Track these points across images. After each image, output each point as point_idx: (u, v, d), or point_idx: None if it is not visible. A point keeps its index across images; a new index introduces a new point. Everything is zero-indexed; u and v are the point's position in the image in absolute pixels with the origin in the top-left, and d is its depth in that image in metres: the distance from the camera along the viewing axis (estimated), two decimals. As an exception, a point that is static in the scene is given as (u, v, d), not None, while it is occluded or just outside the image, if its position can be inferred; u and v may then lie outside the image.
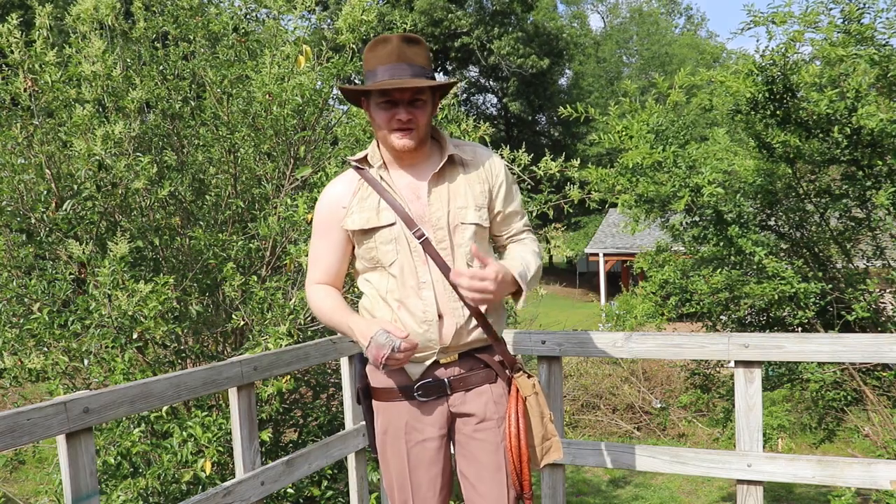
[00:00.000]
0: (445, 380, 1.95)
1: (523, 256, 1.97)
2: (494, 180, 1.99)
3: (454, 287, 1.86)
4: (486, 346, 1.98)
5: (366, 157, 1.98)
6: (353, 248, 2.01)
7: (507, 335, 2.68)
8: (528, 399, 1.95)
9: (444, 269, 1.89)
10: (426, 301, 1.89)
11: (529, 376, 1.98)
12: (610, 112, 4.89)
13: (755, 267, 4.31)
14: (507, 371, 1.99)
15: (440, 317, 1.90)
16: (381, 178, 1.94)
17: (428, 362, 1.94)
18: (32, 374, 3.08)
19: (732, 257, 4.44)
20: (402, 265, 1.90)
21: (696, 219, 4.64)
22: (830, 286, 4.46)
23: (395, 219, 1.90)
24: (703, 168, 4.25)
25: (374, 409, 2.05)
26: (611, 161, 4.74)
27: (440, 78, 1.99)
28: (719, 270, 4.45)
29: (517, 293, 1.91)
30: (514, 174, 3.41)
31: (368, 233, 1.92)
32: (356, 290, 2.55)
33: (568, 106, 4.87)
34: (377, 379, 2.02)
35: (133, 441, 2.93)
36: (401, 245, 1.90)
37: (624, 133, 4.64)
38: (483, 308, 1.93)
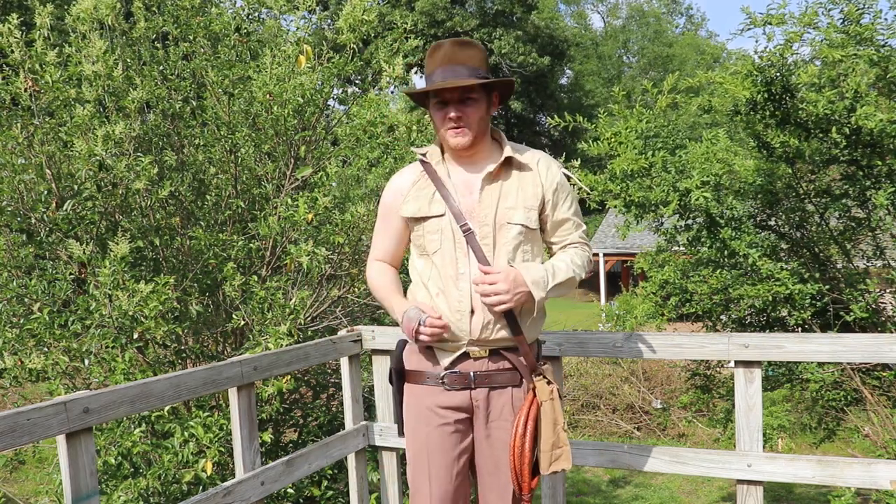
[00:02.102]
0: (471, 373, 2.03)
1: (554, 263, 2.04)
2: (548, 185, 2.06)
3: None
4: (516, 347, 2.04)
5: (428, 152, 2.11)
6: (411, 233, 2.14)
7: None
8: (544, 405, 2.01)
9: (484, 264, 1.98)
10: (462, 292, 1.99)
11: (549, 382, 2.04)
12: (600, 119, 4.89)
13: (750, 268, 4.32)
14: (529, 374, 2.04)
15: (472, 310, 1.99)
16: (440, 171, 2.06)
17: (458, 352, 2.02)
18: (32, 374, 3.08)
19: (727, 259, 4.44)
20: (444, 255, 2.01)
21: (689, 222, 4.64)
22: (829, 286, 4.45)
23: (444, 210, 2.02)
24: (692, 172, 4.25)
25: (405, 390, 2.16)
26: (611, 161, 4.73)
27: None
28: (718, 272, 4.45)
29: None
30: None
31: (419, 220, 2.05)
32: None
33: (556, 117, 4.89)
34: (411, 362, 2.13)
35: (134, 441, 2.93)
36: (445, 235, 2.01)
37: (614, 139, 4.64)
38: (517, 309, 1.98)
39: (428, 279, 2.04)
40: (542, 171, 2.06)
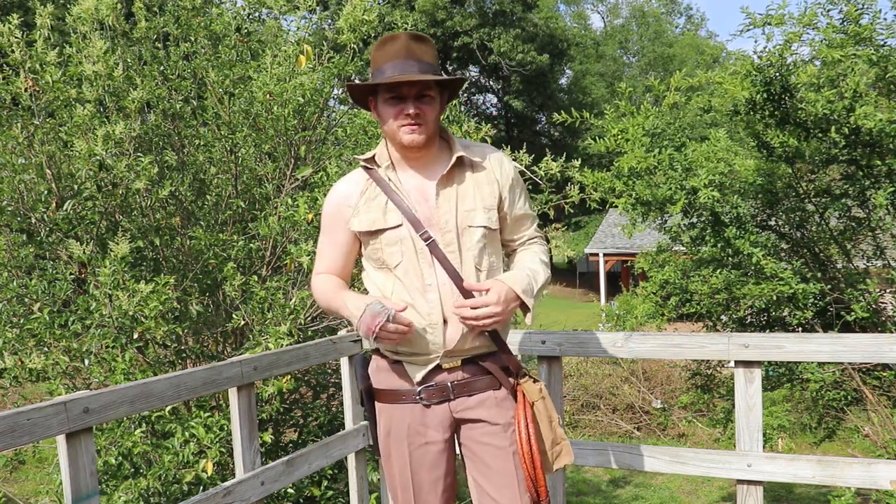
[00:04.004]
0: (448, 384, 1.94)
1: (531, 267, 1.96)
2: (504, 181, 1.97)
3: (460, 290, 1.87)
4: (490, 353, 1.97)
5: (374, 156, 1.97)
6: (360, 246, 2.00)
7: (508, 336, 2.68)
8: (536, 404, 1.94)
9: (452, 273, 1.87)
10: (431, 303, 1.88)
11: (535, 381, 1.97)
12: (606, 115, 4.89)
13: (753, 268, 4.32)
14: (511, 378, 1.97)
15: (445, 321, 1.89)
16: (389, 178, 1.93)
17: (430, 366, 1.93)
18: (33, 374, 3.08)
19: (730, 258, 4.44)
20: (407, 267, 1.89)
21: (694, 220, 4.64)
22: (830, 286, 4.46)
23: (401, 220, 1.89)
24: (699, 170, 4.25)
25: (377, 410, 2.04)
26: (612, 160, 4.73)
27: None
28: (718, 272, 4.45)
29: (524, 306, 1.90)
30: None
31: (374, 234, 1.91)
32: (358, 287, 2.55)
33: (563, 112, 4.88)
34: (380, 380, 2.02)
35: (134, 441, 2.93)
36: (406, 247, 1.89)
37: (620, 136, 4.64)
38: (496, 325, 1.92)
39: (392, 293, 1.92)
40: (495, 168, 1.97)
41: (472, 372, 1.95)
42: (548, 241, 4.42)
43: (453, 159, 1.91)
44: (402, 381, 1.97)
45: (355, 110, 4.44)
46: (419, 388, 1.94)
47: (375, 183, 1.94)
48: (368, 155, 1.99)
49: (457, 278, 1.87)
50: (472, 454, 1.99)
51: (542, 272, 1.97)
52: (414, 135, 1.85)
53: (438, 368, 1.93)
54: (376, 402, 2.04)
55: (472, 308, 1.82)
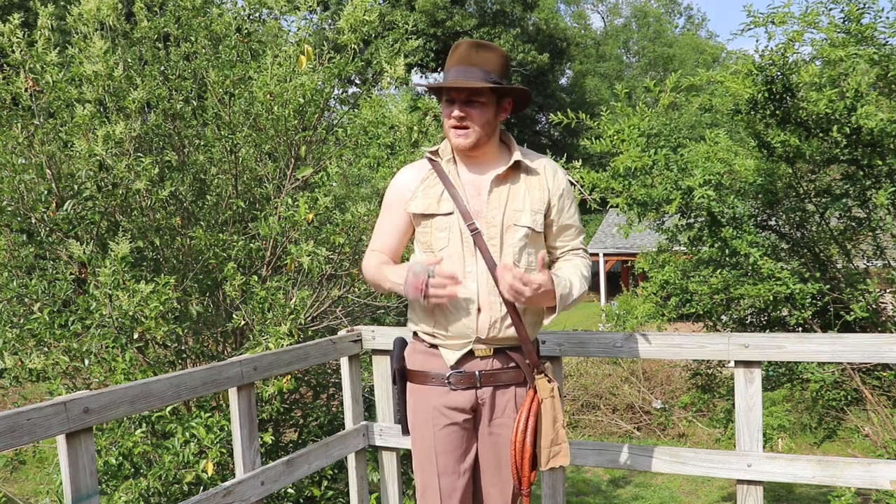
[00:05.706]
0: (477, 372, 2.06)
1: (571, 279, 2.07)
2: (554, 190, 2.11)
3: (496, 280, 1.98)
4: (519, 346, 2.09)
5: (438, 150, 2.13)
6: (414, 230, 2.15)
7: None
8: (545, 402, 2.05)
9: (490, 264, 2.00)
10: (469, 290, 2.01)
11: (550, 381, 2.08)
12: (602, 116, 4.89)
13: (751, 268, 4.31)
14: (532, 372, 2.08)
15: (479, 309, 2.01)
16: (449, 171, 2.08)
17: (464, 350, 2.05)
18: (33, 374, 3.08)
19: (728, 259, 4.44)
20: (451, 253, 2.03)
21: (691, 221, 4.64)
22: (830, 286, 4.45)
23: (453, 209, 2.04)
24: (695, 170, 4.25)
25: (408, 391, 2.17)
26: (612, 160, 4.73)
27: None
28: (718, 272, 4.45)
29: (550, 309, 2.02)
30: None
31: (427, 217, 2.07)
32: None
33: (559, 113, 4.89)
34: (414, 362, 2.15)
35: (135, 441, 2.93)
36: (453, 234, 2.03)
37: (616, 137, 4.64)
38: (521, 308, 2.04)
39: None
40: (548, 176, 2.10)
41: (501, 362, 2.08)
42: None
43: (511, 161, 2.06)
44: (434, 363, 2.10)
45: (356, 111, 4.44)
46: (450, 373, 2.06)
47: (436, 173, 2.09)
48: (434, 147, 2.15)
49: (494, 270, 1.99)
50: (481, 441, 2.12)
51: (579, 285, 2.08)
52: (460, 139, 2.01)
53: (471, 354, 2.06)
54: (408, 383, 2.17)
55: (513, 276, 1.87)
